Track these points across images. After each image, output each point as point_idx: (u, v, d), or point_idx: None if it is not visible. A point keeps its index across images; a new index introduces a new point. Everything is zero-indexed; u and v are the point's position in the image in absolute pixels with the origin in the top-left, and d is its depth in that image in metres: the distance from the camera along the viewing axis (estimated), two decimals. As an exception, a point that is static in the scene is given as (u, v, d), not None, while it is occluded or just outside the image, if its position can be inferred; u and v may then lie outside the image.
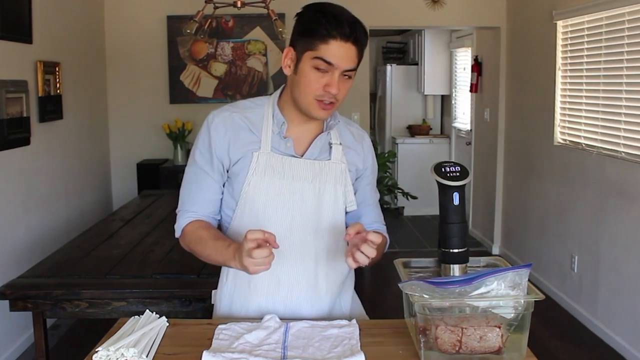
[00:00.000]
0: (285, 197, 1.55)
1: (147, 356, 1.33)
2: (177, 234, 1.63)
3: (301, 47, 1.48)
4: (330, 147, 1.60)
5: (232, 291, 1.63)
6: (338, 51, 1.44)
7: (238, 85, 5.46)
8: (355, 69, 1.50)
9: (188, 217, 1.60)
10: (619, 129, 3.70)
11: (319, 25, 1.44)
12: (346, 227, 1.65)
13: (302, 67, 1.49)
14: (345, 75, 1.48)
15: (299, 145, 1.58)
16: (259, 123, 1.58)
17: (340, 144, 1.61)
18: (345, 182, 1.60)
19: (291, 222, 1.56)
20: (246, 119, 1.58)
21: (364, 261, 1.39)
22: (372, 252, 1.38)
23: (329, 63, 1.45)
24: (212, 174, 1.58)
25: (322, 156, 1.59)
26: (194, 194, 1.60)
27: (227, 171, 1.59)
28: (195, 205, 1.59)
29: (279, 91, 1.62)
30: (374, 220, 1.69)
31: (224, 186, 1.61)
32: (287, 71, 1.53)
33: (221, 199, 1.62)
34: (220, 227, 1.66)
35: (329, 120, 1.60)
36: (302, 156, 1.57)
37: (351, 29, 1.44)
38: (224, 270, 1.67)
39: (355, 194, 1.65)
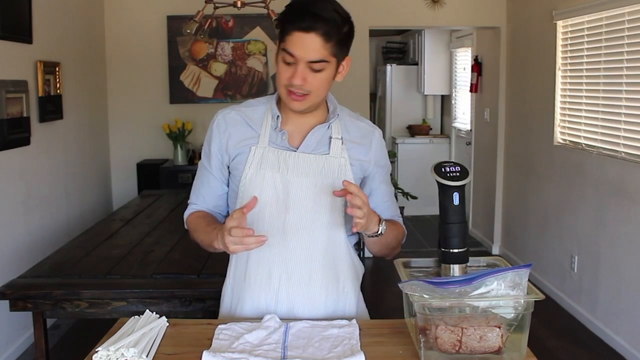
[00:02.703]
0: (279, 190, 1.56)
1: (147, 356, 1.33)
2: (186, 226, 1.72)
3: (278, 40, 1.53)
4: (330, 141, 1.60)
5: (232, 285, 1.67)
6: (299, 42, 1.45)
7: (238, 85, 5.46)
8: (324, 61, 1.47)
9: (191, 209, 1.69)
10: (619, 129, 3.70)
11: (285, 18, 1.49)
12: None
13: (277, 60, 1.53)
14: (313, 67, 1.47)
15: (295, 138, 1.60)
16: (260, 119, 1.61)
17: (341, 138, 1.61)
18: (344, 177, 1.58)
19: (285, 215, 1.56)
20: (245, 116, 1.62)
21: (357, 213, 1.40)
22: (357, 200, 1.40)
23: (291, 55, 1.47)
24: (211, 170, 1.65)
25: (319, 150, 1.59)
26: (197, 189, 1.70)
27: (228, 167, 1.63)
28: (198, 199, 1.69)
29: None
30: (392, 215, 1.70)
31: (228, 184, 1.66)
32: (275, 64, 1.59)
33: (226, 195, 1.68)
34: None
35: (329, 113, 1.61)
36: (297, 149, 1.58)
37: (313, 21, 1.44)
38: (229, 264, 1.69)
39: (370, 193, 1.66)
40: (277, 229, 1.56)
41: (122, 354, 1.30)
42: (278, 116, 1.59)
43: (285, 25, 1.48)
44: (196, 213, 1.67)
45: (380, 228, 1.52)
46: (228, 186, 1.67)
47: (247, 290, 1.61)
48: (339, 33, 1.47)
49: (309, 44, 1.45)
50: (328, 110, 1.63)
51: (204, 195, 1.67)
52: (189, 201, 1.72)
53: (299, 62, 1.46)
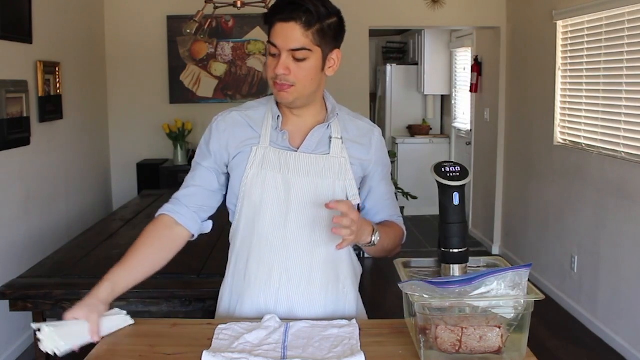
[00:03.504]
0: (280, 190, 1.57)
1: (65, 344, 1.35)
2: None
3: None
4: (330, 141, 1.60)
5: (231, 284, 1.66)
6: (280, 32, 1.49)
7: (238, 85, 5.46)
8: (305, 50, 1.49)
9: (165, 209, 1.62)
10: (619, 129, 3.70)
11: (268, 13, 1.53)
12: None
13: (267, 55, 1.55)
14: (295, 57, 1.49)
15: (296, 138, 1.60)
16: (260, 120, 1.62)
17: (341, 138, 1.61)
18: (345, 177, 1.59)
19: (286, 215, 1.57)
20: (246, 117, 1.63)
21: (343, 232, 1.41)
22: (345, 221, 1.40)
23: (274, 45, 1.50)
24: (206, 165, 1.63)
25: (320, 150, 1.59)
26: (187, 182, 1.66)
27: (227, 166, 1.63)
28: (184, 189, 1.64)
29: None
30: (391, 215, 1.70)
31: (223, 184, 1.65)
32: None
33: (215, 194, 1.65)
34: (229, 229, 1.68)
35: (328, 113, 1.62)
36: (298, 149, 1.59)
37: (291, 10, 1.48)
38: (228, 264, 1.69)
39: (370, 192, 1.67)
40: (278, 229, 1.57)
41: (39, 329, 1.34)
42: (279, 116, 1.59)
43: (269, 19, 1.52)
44: (161, 220, 1.60)
45: (373, 238, 1.53)
46: (225, 186, 1.66)
47: (247, 290, 1.61)
48: (321, 22, 1.49)
49: (289, 33, 1.48)
50: (327, 110, 1.63)
51: (191, 187, 1.63)
52: (173, 195, 1.65)
53: (282, 52, 1.49)
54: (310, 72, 1.52)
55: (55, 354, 1.34)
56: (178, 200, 1.63)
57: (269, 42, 1.51)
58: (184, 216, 1.61)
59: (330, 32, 1.52)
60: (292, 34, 1.48)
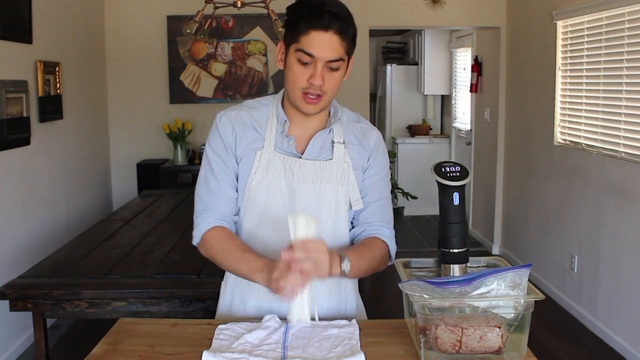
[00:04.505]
0: (285, 196, 1.55)
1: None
2: (196, 241, 1.59)
3: (287, 40, 1.50)
4: (333, 146, 1.59)
5: (233, 287, 1.65)
6: (318, 41, 1.44)
7: (238, 85, 5.46)
8: (341, 60, 1.47)
9: (208, 222, 1.57)
10: (619, 129, 3.70)
11: (300, 17, 1.46)
12: (352, 225, 1.65)
13: (288, 61, 1.50)
14: (331, 67, 1.47)
15: (301, 143, 1.58)
16: (264, 122, 1.58)
17: (344, 142, 1.59)
18: (348, 182, 1.58)
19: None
20: (253, 118, 1.59)
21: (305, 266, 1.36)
22: (308, 265, 1.35)
23: (310, 55, 1.45)
24: (227, 171, 1.58)
25: (323, 155, 1.58)
26: (213, 192, 1.58)
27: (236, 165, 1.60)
28: (214, 201, 1.57)
29: (283, 90, 1.62)
30: (372, 220, 1.63)
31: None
32: (280, 65, 1.54)
33: (236, 199, 1.60)
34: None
35: (330, 117, 1.60)
36: (302, 154, 1.57)
37: (330, 19, 1.42)
38: None
39: (362, 193, 1.63)
40: (282, 235, 1.53)
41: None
42: (285, 121, 1.56)
43: (300, 24, 1.45)
44: (218, 230, 1.55)
45: (343, 266, 1.45)
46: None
47: (251, 293, 1.60)
48: (352, 31, 1.48)
49: (327, 43, 1.44)
50: (329, 113, 1.62)
51: (221, 197, 1.57)
52: (199, 212, 1.59)
53: (317, 62, 1.45)
54: (339, 81, 1.51)
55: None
56: (213, 212, 1.57)
57: (299, 50, 1.45)
58: (226, 219, 1.58)
59: (355, 40, 1.51)
60: (331, 45, 1.44)
